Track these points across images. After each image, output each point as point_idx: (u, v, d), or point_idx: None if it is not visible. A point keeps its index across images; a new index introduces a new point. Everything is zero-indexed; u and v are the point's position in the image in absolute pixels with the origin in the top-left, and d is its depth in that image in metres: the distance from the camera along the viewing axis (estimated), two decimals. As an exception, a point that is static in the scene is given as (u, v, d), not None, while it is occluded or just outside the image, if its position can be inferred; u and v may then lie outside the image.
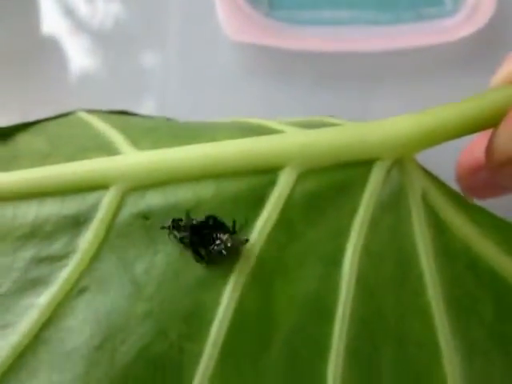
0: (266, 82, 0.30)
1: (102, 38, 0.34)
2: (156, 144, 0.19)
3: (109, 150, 0.19)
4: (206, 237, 0.16)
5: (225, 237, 0.16)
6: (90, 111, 0.24)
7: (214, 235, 0.17)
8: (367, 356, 0.17)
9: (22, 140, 0.21)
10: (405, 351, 0.17)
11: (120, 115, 0.25)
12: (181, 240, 0.16)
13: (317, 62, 0.30)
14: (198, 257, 0.16)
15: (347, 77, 0.30)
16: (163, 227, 0.17)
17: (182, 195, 0.17)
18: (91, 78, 0.33)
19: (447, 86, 0.30)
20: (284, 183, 0.18)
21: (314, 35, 0.30)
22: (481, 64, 0.30)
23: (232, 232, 0.17)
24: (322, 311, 0.17)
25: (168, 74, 0.32)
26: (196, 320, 0.16)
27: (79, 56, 0.34)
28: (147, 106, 0.32)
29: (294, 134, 0.18)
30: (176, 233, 0.16)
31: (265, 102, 0.30)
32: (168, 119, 0.25)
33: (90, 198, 0.17)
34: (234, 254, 0.17)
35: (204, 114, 0.25)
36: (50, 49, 0.34)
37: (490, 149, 0.19)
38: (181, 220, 0.17)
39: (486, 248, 0.18)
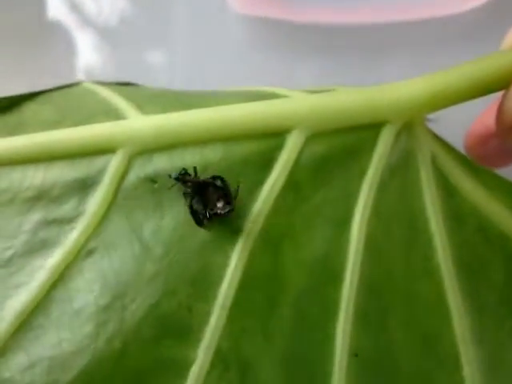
0: (273, 55, 0.30)
1: (108, 29, 0.34)
2: (162, 110, 0.19)
3: (115, 115, 0.19)
4: (207, 197, 0.16)
5: (225, 200, 0.16)
6: (95, 82, 0.24)
7: (216, 196, 0.16)
8: (376, 317, 0.17)
9: (29, 109, 0.21)
10: (414, 313, 0.17)
11: (125, 85, 0.25)
12: (184, 195, 0.16)
13: (325, 34, 0.30)
14: (197, 219, 0.16)
15: (356, 49, 0.30)
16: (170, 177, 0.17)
17: (190, 158, 0.17)
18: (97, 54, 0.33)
19: (457, 58, 0.29)
20: (292, 146, 0.17)
21: (322, 7, 0.30)
22: (490, 35, 0.29)
23: (234, 196, 0.17)
24: (331, 273, 0.17)
25: (176, 48, 0.31)
26: (204, 281, 0.16)
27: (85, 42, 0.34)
28: (155, 81, 0.31)
29: (303, 98, 0.18)
30: (181, 186, 0.16)
31: (273, 75, 0.29)
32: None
33: (97, 162, 0.17)
34: (234, 217, 0.17)
35: (212, 88, 0.25)
36: (56, 44, 0.34)
37: (500, 111, 0.18)
38: (188, 174, 0.16)
39: (496, 211, 0.18)
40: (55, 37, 0.34)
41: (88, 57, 0.34)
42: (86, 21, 0.34)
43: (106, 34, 0.33)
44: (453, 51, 0.30)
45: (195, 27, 0.32)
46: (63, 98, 0.22)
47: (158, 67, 0.33)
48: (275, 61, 0.30)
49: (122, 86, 0.24)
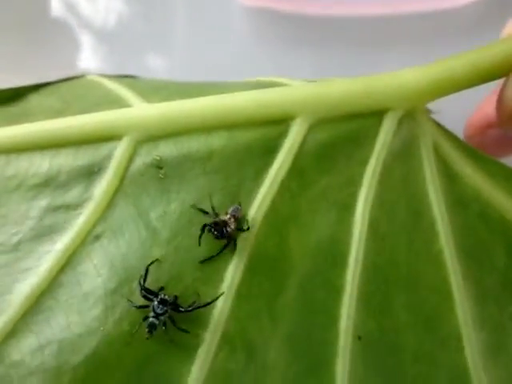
0: (274, 47, 0.30)
1: (107, 28, 0.34)
2: (166, 99, 0.19)
3: (120, 104, 0.19)
4: None
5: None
6: (98, 74, 0.24)
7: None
8: (380, 299, 0.17)
9: (34, 99, 0.21)
10: (417, 295, 0.17)
11: (128, 77, 0.25)
12: None
13: (328, 27, 0.30)
14: None
15: (358, 41, 0.30)
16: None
17: (195, 145, 0.18)
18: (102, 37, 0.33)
19: (456, 50, 0.30)
20: (296, 133, 0.18)
21: (325, 0, 0.30)
22: (490, 28, 0.30)
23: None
24: (336, 256, 0.17)
25: (179, 39, 0.32)
26: (211, 265, 0.16)
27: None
28: (158, 71, 0.32)
29: (306, 86, 0.18)
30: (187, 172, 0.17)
31: (277, 67, 0.30)
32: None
33: (103, 149, 0.17)
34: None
35: (216, 79, 0.26)
36: (59, 42, 0.34)
37: (500, 100, 0.19)
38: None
39: (497, 197, 0.18)
40: (58, 35, 0.34)
41: (88, 55, 0.34)
42: (86, 20, 0.34)
43: (106, 32, 0.34)
44: (452, 44, 0.30)
45: (196, 20, 0.32)
46: (67, 89, 0.22)
47: (159, 63, 0.33)
48: (276, 53, 0.30)
49: (125, 77, 0.24)
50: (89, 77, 0.24)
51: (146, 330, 0.15)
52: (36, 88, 0.22)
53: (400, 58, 0.30)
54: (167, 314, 0.15)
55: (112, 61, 0.34)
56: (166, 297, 0.15)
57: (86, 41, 0.34)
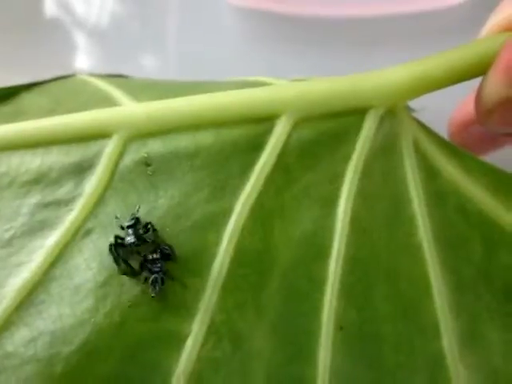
0: (268, 48, 0.31)
1: (100, 27, 0.34)
2: (155, 98, 0.19)
3: (110, 103, 0.20)
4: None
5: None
6: (89, 74, 0.25)
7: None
8: (361, 290, 0.17)
9: (25, 98, 0.22)
10: (397, 286, 0.18)
11: (118, 77, 0.25)
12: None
13: (315, 27, 0.31)
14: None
15: (346, 41, 0.31)
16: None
17: (182, 142, 0.18)
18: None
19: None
20: (281, 131, 0.18)
21: (315, 1, 0.31)
22: (476, 30, 0.30)
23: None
24: (319, 249, 0.18)
25: (169, 39, 0.32)
26: (198, 259, 0.17)
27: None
28: (148, 73, 0.32)
29: (290, 85, 0.19)
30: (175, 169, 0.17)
31: (267, 68, 0.30)
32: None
33: (93, 146, 0.18)
34: (226, 197, 0.18)
35: (209, 79, 0.26)
36: (52, 41, 0.34)
37: (478, 97, 0.19)
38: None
39: (476, 191, 0.19)
40: (52, 35, 0.34)
41: (82, 56, 0.34)
42: (80, 21, 0.34)
43: (99, 32, 0.34)
44: (443, 44, 0.31)
45: (187, 20, 0.33)
46: (58, 88, 0.23)
47: (152, 63, 0.33)
48: (268, 53, 0.31)
49: (114, 77, 0.25)
50: (79, 76, 0.24)
51: (151, 288, 0.16)
52: (28, 87, 0.23)
53: (390, 57, 0.31)
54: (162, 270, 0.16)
55: (105, 61, 0.34)
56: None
57: (79, 41, 0.34)
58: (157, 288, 0.16)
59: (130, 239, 0.16)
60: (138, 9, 0.35)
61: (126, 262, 0.16)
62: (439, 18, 0.32)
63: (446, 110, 0.25)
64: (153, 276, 0.16)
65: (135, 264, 0.16)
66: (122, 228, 0.17)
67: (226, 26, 0.33)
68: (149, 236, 0.17)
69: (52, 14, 0.35)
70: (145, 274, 0.16)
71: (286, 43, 0.32)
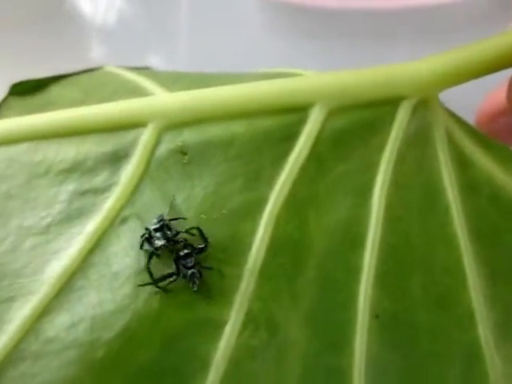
0: (288, 40, 0.31)
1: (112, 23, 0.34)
2: (186, 88, 0.19)
3: (142, 93, 0.20)
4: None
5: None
6: (116, 66, 0.25)
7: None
8: (396, 279, 0.17)
9: (55, 90, 0.22)
10: (432, 275, 0.18)
11: (144, 69, 0.25)
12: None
13: (336, 20, 0.31)
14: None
15: (366, 34, 0.31)
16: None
17: (217, 132, 0.18)
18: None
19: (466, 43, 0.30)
20: (314, 120, 0.18)
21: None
22: (493, 24, 0.30)
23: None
24: (353, 238, 0.18)
25: (190, 32, 0.32)
26: (234, 247, 0.17)
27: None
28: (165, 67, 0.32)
29: (324, 75, 0.19)
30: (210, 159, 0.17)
31: (288, 60, 0.30)
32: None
33: (128, 135, 0.18)
34: (261, 186, 0.18)
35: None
36: (71, 35, 0.34)
37: (510, 87, 0.19)
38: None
39: (508, 182, 0.19)
40: (70, 29, 0.35)
41: (94, 52, 0.34)
42: (91, 17, 0.35)
43: (110, 28, 0.34)
44: (462, 37, 0.31)
45: (207, 14, 0.33)
46: (87, 80, 0.23)
47: (164, 58, 0.33)
48: (287, 46, 0.31)
49: (141, 69, 0.25)
50: (107, 68, 0.24)
51: (191, 283, 0.16)
52: (56, 79, 0.23)
53: (409, 50, 0.31)
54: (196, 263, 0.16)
55: (118, 56, 0.34)
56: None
57: (91, 38, 0.35)
58: (196, 282, 0.16)
59: (159, 242, 0.16)
60: (148, 5, 0.35)
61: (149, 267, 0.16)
62: (460, 11, 0.32)
63: (472, 100, 0.25)
64: (189, 271, 0.16)
65: (169, 263, 0.16)
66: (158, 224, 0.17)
67: (239, 21, 0.33)
68: (180, 237, 0.17)
69: (66, 11, 0.35)
70: (181, 271, 0.16)
71: (307, 36, 0.32)
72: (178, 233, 0.17)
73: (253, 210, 0.17)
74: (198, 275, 0.16)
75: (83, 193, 0.17)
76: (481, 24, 0.31)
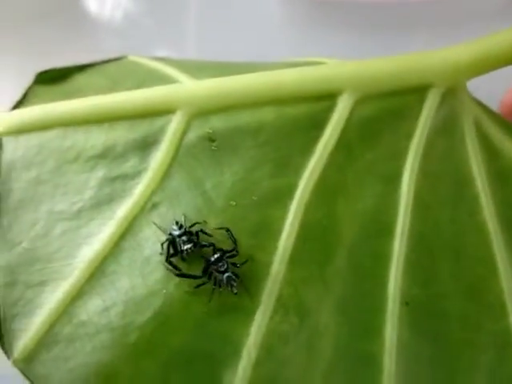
0: (306, 33, 0.31)
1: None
2: (212, 76, 0.19)
3: (169, 81, 0.20)
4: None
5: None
6: (140, 56, 0.25)
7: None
8: (426, 267, 0.17)
9: (82, 78, 0.22)
10: (462, 264, 0.18)
11: (167, 59, 0.25)
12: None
13: (354, 12, 0.31)
14: None
15: (384, 26, 0.31)
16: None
17: (245, 119, 0.18)
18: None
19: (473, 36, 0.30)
20: (343, 108, 0.18)
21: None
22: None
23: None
24: (383, 225, 0.17)
25: (209, 25, 0.32)
26: (264, 233, 0.17)
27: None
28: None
29: (352, 63, 0.19)
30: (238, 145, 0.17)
31: (305, 53, 0.30)
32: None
33: (157, 122, 0.18)
34: (291, 173, 0.17)
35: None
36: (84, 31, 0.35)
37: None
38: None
39: (538, 171, 0.19)
40: (81, 23, 0.35)
41: (109, 43, 0.35)
42: (105, 12, 0.35)
43: (123, 22, 0.34)
44: (480, 28, 0.31)
45: (218, 9, 0.33)
46: (113, 68, 0.23)
47: (193, 22, 0.33)
48: (304, 38, 0.31)
49: (164, 59, 0.25)
50: (131, 57, 0.24)
51: (229, 287, 0.16)
52: (81, 68, 0.23)
53: (426, 41, 0.31)
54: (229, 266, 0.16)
55: (128, 49, 0.34)
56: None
57: (102, 31, 0.35)
58: (234, 284, 0.16)
59: (186, 246, 0.16)
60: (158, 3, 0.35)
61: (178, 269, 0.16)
62: (476, 2, 0.32)
63: (496, 90, 0.25)
64: (225, 275, 0.16)
65: (198, 268, 0.16)
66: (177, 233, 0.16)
67: (253, 16, 0.33)
68: (204, 239, 0.16)
69: (77, 6, 0.35)
70: (214, 275, 0.16)
71: (320, 28, 0.32)
72: (198, 234, 0.16)
73: (282, 196, 0.17)
74: (233, 277, 0.16)
75: (113, 179, 0.17)
76: (499, 14, 0.31)
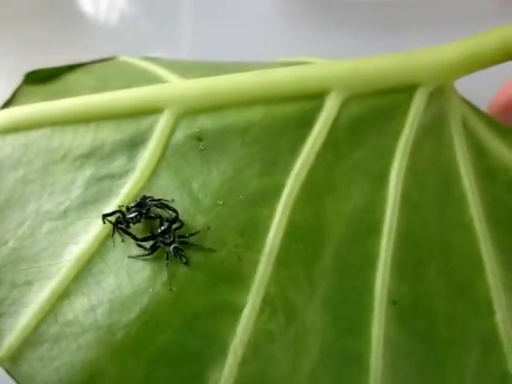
0: (301, 31, 0.31)
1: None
2: (201, 76, 0.19)
3: (157, 81, 0.20)
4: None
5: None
6: (130, 56, 0.25)
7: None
8: (413, 265, 0.17)
9: (71, 78, 0.22)
10: (449, 262, 0.18)
11: (157, 59, 0.25)
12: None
13: (350, 11, 0.31)
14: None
15: (379, 25, 0.31)
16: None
17: (233, 118, 0.18)
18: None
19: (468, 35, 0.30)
20: (331, 107, 0.18)
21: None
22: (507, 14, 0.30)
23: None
24: (370, 224, 0.17)
25: (205, 26, 0.32)
26: (252, 232, 0.17)
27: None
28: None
29: (340, 62, 0.19)
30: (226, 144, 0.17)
31: (300, 51, 0.30)
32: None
33: (145, 121, 0.18)
34: (278, 172, 0.18)
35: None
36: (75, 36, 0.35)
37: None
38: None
39: (525, 170, 0.19)
40: (75, 23, 0.35)
41: (104, 43, 0.35)
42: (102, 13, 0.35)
43: (120, 22, 0.34)
44: (476, 28, 0.31)
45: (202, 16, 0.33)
46: (102, 68, 0.23)
47: (188, 21, 0.33)
48: (299, 36, 0.31)
49: (154, 59, 0.25)
50: (121, 57, 0.24)
51: (178, 258, 0.16)
52: (71, 68, 0.23)
53: (423, 40, 0.31)
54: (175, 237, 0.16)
55: (122, 50, 0.34)
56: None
57: (96, 31, 0.35)
58: (182, 255, 0.16)
59: (131, 215, 0.16)
60: (153, 4, 0.35)
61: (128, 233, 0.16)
62: (474, 1, 0.32)
63: (484, 89, 0.25)
64: (171, 247, 0.16)
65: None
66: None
67: (247, 14, 0.33)
68: (153, 211, 0.17)
69: (71, 6, 0.35)
70: (165, 248, 0.16)
71: (315, 27, 0.32)
72: (150, 206, 0.16)
73: (270, 195, 0.17)
74: (180, 248, 0.16)
75: (100, 178, 0.17)
76: (494, 13, 0.31)
